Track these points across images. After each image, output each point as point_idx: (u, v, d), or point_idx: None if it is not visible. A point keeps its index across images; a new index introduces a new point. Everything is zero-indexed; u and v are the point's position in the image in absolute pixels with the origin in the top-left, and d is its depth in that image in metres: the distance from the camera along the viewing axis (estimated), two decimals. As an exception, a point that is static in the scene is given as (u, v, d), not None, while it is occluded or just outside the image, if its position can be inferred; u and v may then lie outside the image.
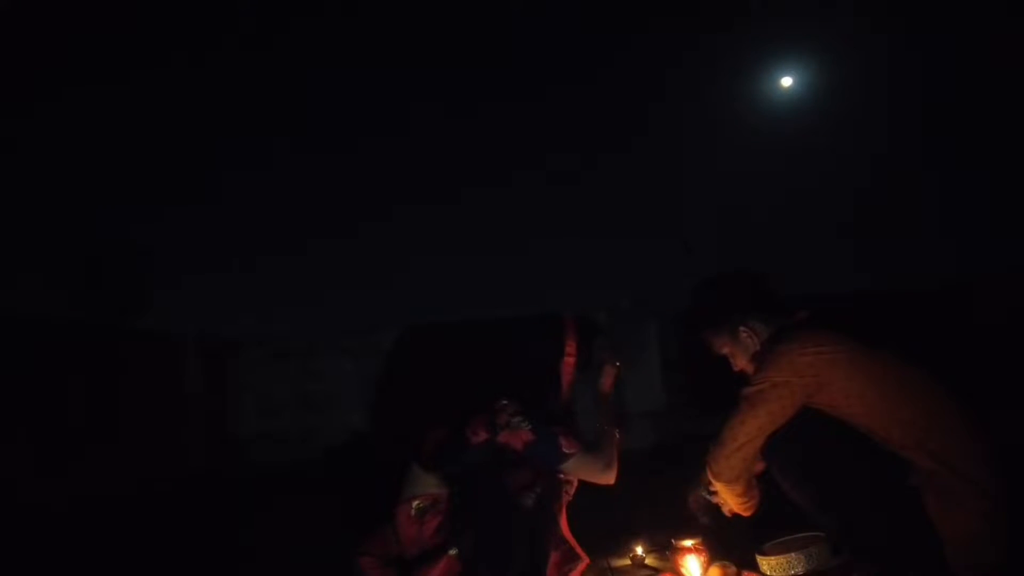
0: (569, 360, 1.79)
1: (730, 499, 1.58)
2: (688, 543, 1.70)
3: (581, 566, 1.71)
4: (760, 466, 1.60)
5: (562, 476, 1.69)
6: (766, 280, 1.72)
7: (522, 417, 1.61)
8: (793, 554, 1.55)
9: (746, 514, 1.61)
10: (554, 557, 1.64)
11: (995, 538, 1.29)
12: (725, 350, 1.69)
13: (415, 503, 1.62)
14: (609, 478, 1.68)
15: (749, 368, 1.63)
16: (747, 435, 1.45)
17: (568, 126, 9.84)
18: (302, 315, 8.72)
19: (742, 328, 1.63)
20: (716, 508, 1.68)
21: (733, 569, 1.66)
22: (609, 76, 9.50)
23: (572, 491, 1.77)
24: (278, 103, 9.76)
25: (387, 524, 1.69)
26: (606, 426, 1.76)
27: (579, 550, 1.72)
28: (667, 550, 1.76)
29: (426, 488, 1.62)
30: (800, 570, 1.54)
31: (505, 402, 1.65)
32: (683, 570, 1.66)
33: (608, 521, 1.84)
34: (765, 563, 1.60)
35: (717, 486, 1.57)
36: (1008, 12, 7.10)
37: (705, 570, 1.65)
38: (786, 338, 1.49)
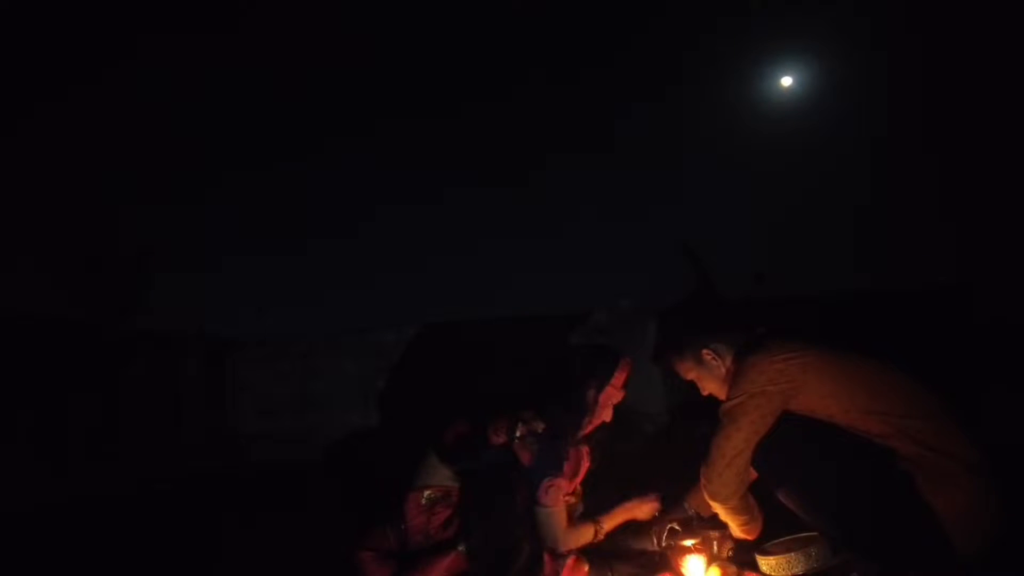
0: (611, 392, 1.78)
1: (731, 522, 1.59)
2: (688, 543, 1.70)
3: (583, 570, 1.70)
4: (752, 475, 1.61)
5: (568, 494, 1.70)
6: (724, 300, 1.77)
7: (535, 439, 1.61)
8: (793, 554, 1.55)
9: (750, 537, 1.61)
10: (550, 562, 1.63)
11: (991, 510, 1.30)
12: (691, 375, 1.72)
13: (427, 492, 1.62)
14: (555, 546, 1.65)
15: (717, 391, 1.66)
16: (734, 449, 1.47)
17: (567, 125, 9.84)
18: (302, 315, 8.72)
19: (705, 351, 1.65)
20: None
21: (733, 569, 1.66)
22: (608, 76, 9.50)
23: (577, 502, 1.78)
24: (277, 102, 9.77)
25: (386, 523, 1.69)
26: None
27: (580, 556, 1.72)
28: (668, 551, 1.76)
29: (440, 480, 1.63)
30: (800, 570, 1.54)
31: (531, 416, 1.65)
32: (683, 570, 1.66)
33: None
34: (765, 563, 1.60)
35: (715, 507, 1.58)
36: (1008, 12, 7.10)
37: (705, 570, 1.65)
38: (755, 350, 1.52)
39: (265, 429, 4.43)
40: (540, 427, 1.64)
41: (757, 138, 8.82)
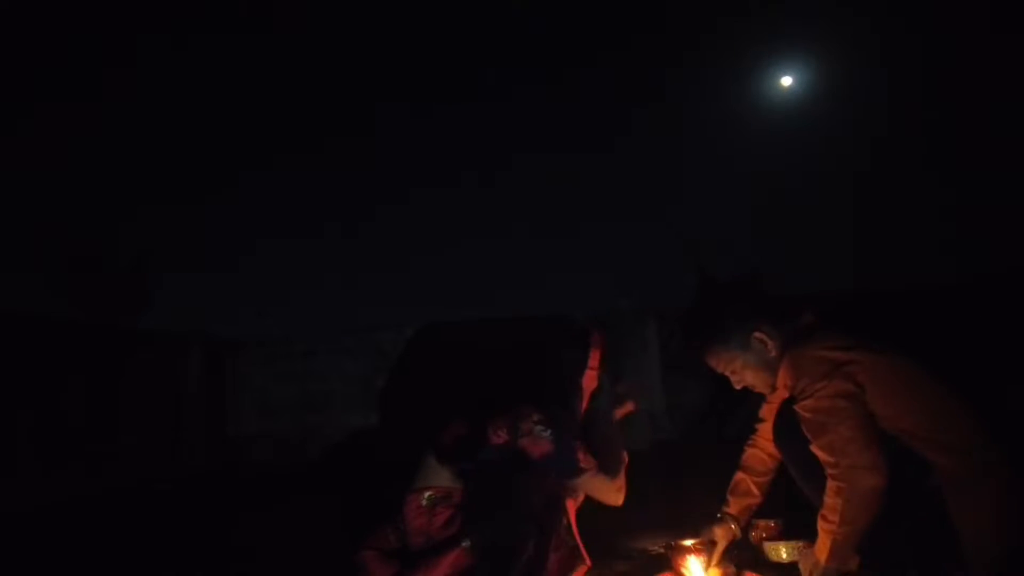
0: (591, 373, 1.77)
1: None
2: (688, 543, 1.70)
3: (582, 569, 1.70)
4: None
5: (571, 487, 1.69)
6: (764, 283, 1.68)
7: (544, 427, 1.61)
8: (803, 542, 1.57)
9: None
10: (554, 559, 1.63)
11: (1018, 522, 1.27)
12: (736, 364, 1.56)
13: (427, 494, 1.62)
14: (618, 499, 1.70)
15: (760, 382, 1.56)
16: (846, 437, 1.31)
17: (568, 126, 9.85)
18: (302, 315, 8.73)
19: (756, 335, 1.52)
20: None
21: (733, 569, 1.66)
22: (609, 76, 9.50)
23: (579, 500, 1.77)
24: (279, 103, 9.78)
25: (387, 523, 1.69)
26: (617, 450, 1.76)
27: (584, 552, 1.72)
28: (668, 551, 1.76)
29: (440, 481, 1.63)
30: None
31: (531, 409, 1.65)
32: (683, 570, 1.66)
33: (606, 523, 1.84)
34: (783, 549, 1.64)
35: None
36: (1008, 12, 7.11)
37: (705, 570, 1.65)
38: (805, 340, 1.44)
39: (265, 429, 4.42)
40: (543, 419, 1.64)
41: (757, 138, 8.83)
